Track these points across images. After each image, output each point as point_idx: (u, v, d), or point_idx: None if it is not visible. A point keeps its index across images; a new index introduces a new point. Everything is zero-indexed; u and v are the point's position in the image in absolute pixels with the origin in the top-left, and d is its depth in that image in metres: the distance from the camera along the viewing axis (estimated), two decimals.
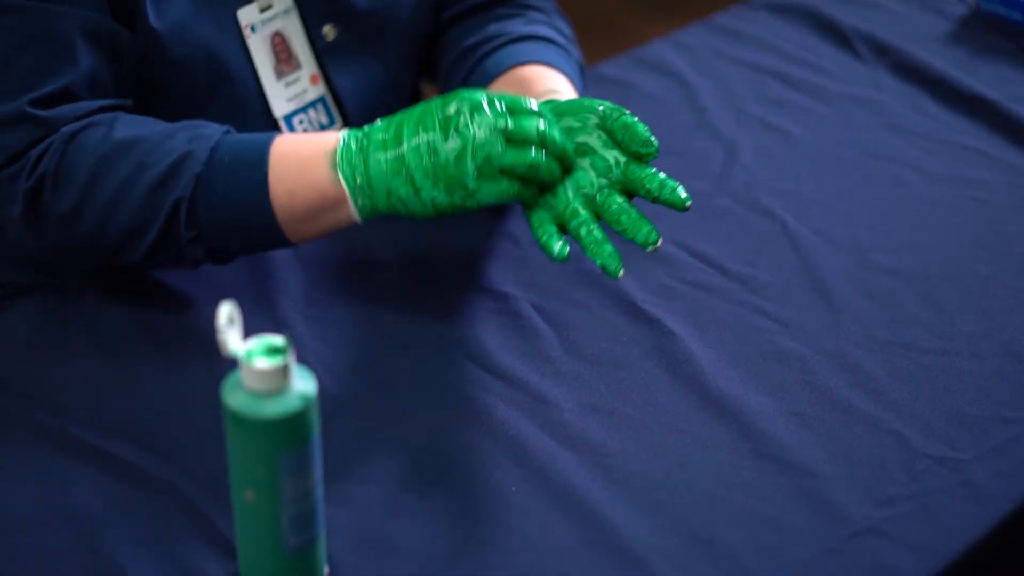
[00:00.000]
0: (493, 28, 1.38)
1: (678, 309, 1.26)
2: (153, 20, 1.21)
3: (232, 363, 0.96)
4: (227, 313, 0.93)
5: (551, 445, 1.12)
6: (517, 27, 1.37)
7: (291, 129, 1.31)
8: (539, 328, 1.23)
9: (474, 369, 1.19)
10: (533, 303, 1.26)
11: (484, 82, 1.32)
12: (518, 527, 1.06)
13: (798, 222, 1.36)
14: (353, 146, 1.13)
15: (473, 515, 1.07)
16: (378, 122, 1.15)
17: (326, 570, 1.02)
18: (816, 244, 1.34)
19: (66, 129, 1.17)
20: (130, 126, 1.17)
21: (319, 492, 0.98)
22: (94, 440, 1.13)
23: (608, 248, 1.12)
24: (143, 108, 1.24)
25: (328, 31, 1.32)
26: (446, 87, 1.40)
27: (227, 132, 1.17)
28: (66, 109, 1.18)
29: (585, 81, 1.40)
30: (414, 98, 1.46)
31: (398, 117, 1.14)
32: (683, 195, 1.13)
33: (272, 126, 1.30)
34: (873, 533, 1.06)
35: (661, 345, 1.22)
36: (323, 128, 1.33)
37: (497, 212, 1.35)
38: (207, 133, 1.16)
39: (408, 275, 1.29)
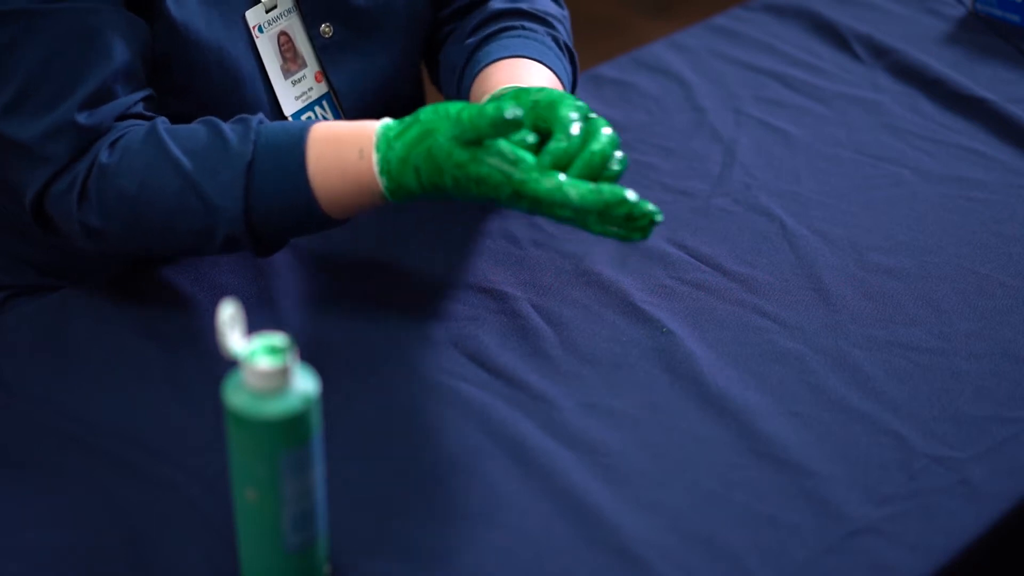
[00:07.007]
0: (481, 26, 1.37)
1: (677, 309, 1.26)
2: (173, 11, 1.22)
3: (233, 362, 0.96)
4: (228, 313, 0.93)
5: (551, 445, 1.13)
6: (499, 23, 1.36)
7: None
8: (539, 328, 1.23)
9: (474, 369, 1.20)
10: (533, 303, 1.26)
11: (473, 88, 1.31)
12: (518, 527, 1.06)
13: (797, 222, 1.37)
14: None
15: (473, 515, 1.07)
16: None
17: (327, 569, 1.02)
18: (814, 244, 1.34)
19: (105, 142, 1.18)
20: (169, 141, 1.17)
21: (320, 491, 0.98)
22: (94, 440, 1.13)
23: None
24: (160, 109, 1.25)
25: (325, 29, 1.33)
26: (442, 88, 1.40)
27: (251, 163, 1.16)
28: (106, 111, 1.19)
29: (573, 70, 1.38)
30: (417, 95, 1.46)
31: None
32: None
33: None
34: (871, 532, 1.06)
35: (660, 345, 1.22)
36: None
37: (497, 212, 1.36)
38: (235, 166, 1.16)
39: (408, 275, 1.29)
